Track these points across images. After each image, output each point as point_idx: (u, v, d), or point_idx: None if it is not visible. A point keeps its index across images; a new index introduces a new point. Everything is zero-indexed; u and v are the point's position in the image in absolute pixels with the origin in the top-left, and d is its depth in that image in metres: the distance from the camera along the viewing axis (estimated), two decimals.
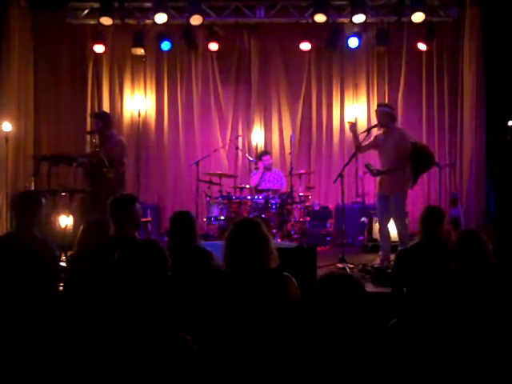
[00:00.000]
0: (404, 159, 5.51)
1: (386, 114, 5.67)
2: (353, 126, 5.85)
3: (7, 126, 7.36)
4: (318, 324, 1.72)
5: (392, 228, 5.77)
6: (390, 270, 5.16)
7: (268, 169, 7.61)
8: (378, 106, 6.01)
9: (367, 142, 5.85)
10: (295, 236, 7.12)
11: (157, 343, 1.77)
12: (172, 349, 1.78)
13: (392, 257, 5.79)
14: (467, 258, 2.85)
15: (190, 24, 7.68)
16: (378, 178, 5.83)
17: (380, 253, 5.73)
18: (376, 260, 5.84)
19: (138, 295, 1.80)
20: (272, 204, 6.83)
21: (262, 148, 8.53)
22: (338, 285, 1.75)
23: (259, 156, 7.76)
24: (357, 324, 1.71)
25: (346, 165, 5.96)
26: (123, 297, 1.80)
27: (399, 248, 5.54)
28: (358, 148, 5.83)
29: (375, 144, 5.75)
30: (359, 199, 7.83)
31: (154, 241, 2.02)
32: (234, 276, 2.56)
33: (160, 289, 1.85)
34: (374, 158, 6.25)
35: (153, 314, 1.81)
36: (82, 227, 3.44)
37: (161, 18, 7.50)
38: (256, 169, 7.70)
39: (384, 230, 5.69)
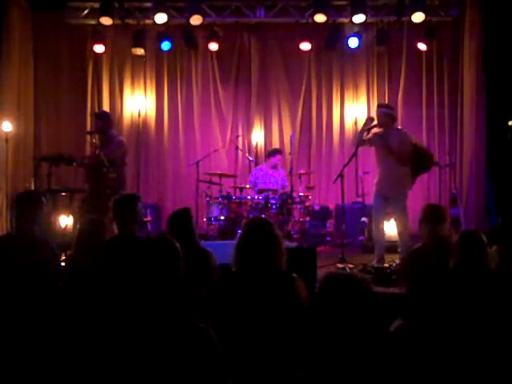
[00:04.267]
0: (405, 159, 5.52)
1: (385, 115, 5.67)
2: (371, 120, 5.80)
3: (7, 126, 7.36)
4: (322, 324, 1.73)
5: (391, 228, 5.74)
6: (389, 270, 5.19)
7: (274, 168, 7.62)
8: (378, 106, 6.02)
9: (365, 137, 5.84)
10: (295, 236, 7.11)
11: (177, 335, 1.79)
12: (193, 341, 1.79)
13: (391, 257, 5.84)
14: (467, 258, 2.85)
15: (190, 24, 7.68)
16: (376, 179, 5.84)
17: (375, 252, 5.73)
18: (374, 260, 5.83)
19: (157, 290, 1.81)
20: (272, 204, 6.82)
21: (263, 148, 8.54)
22: (342, 285, 1.75)
23: (270, 153, 7.70)
24: (362, 324, 1.71)
25: (345, 165, 5.96)
26: (141, 292, 1.82)
27: (400, 249, 5.56)
28: (358, 141, 5.85)
29: (372, 140, 5.74)
30: (359, 199, 7.83)
31: (163, 235, 2.02)
32: (246, 276, 2.55)
33: (176, 282, 1.87)
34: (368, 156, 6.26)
35: (171, 307, 1.83)
36: (78, 227, 3.44)
37: (161, 17, 7.50)
38: (256, 165, 7.68)
39: (379, 230, 5.69)
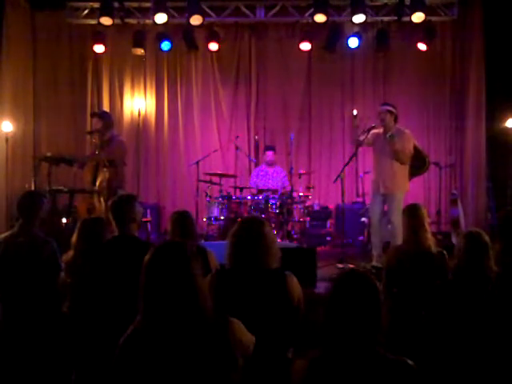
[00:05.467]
0: (407, 159, 5.55)
1: (389, 114, 5.69)
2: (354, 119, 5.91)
3: (7, 126, 7.36)
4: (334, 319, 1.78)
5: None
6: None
7: (270, 165, 7.63)
8: (382, 105, 6.05)
9: (365, 138, 5.85)
10: (295, 236, 7.11)
11: (215, 332, 1.84)
12: (229, 335, 1.84)
13: None
14: (470, 258, 2.84)
15: (190, 24, 7.67)
16: (373, 177, 5.86)
17: (373, 252, 5.73)
18: (373, 260, 5.84)
19: (192, 290, 1.85)
20: (272, 204, 6.82)
21: (263, 148, 8.54)
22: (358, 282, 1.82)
23: (263, 150, 7.83)
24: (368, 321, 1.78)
25: (346, 165, 5.98)
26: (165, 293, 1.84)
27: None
28: (356, 142, 5.88)
29: (373, 141, 5.75)
30: (359, 199, 7.83)
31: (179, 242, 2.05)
32: (237, 274, 2.56)
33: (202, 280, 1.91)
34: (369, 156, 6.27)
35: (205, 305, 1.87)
36: (77, 226, 3.44)
37: (161, 17, 7.50)
38: (256, 165, 7.70)
39: (376, 229, 5.70)
